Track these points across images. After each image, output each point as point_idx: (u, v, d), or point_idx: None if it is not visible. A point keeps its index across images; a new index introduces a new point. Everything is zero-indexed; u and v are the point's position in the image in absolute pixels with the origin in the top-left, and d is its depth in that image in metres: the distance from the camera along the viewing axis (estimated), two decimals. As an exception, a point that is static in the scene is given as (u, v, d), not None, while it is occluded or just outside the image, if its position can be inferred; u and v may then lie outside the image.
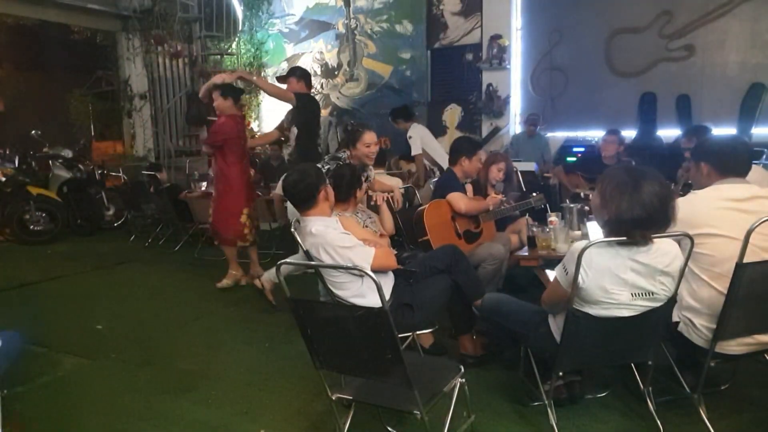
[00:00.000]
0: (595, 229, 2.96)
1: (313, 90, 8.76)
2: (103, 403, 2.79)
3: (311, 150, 4.79)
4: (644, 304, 2.02)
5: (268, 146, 8.09)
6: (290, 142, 4.66)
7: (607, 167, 4.88)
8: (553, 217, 3.24)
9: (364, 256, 2.49)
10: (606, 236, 2.00)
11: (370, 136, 3.38)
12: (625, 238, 1.93)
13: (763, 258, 2.07)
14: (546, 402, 2.28)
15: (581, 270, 1.95)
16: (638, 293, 1.99)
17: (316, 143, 5.06)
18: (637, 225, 1.91)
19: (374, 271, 2.29)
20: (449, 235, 3.56)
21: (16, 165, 7.13)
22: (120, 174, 7.77)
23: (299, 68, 5.09)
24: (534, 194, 3.91)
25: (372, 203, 3.40)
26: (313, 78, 8.74)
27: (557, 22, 6.84)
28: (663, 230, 1.97)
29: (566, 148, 6.69)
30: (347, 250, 2.47)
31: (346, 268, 2.43)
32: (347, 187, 3.00)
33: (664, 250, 1.99)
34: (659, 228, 1.95)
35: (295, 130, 4.66)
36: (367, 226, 3.17)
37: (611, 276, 1.96)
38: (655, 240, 1.97)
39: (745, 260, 1.98)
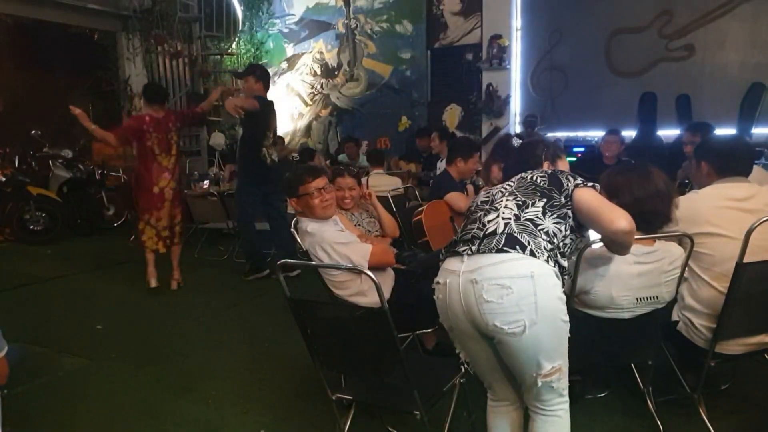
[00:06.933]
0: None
1: (312, 90, 8.87)
2: (103, 403, 2.79)
3: (253, 154, 4.66)
4: (647, 308, 2.02)
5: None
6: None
7: (608, 167, 4.93)
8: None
9: (361, 252, 2.48)
10: None
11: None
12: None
13: (763, 258, 2.07)
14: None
15: (589, 278, 1.95)
16: (643, 298, 1.99)
17: (260, 149, 4.73)
18: (651, 207, 1.92)
19: (372, 268, 2.28)
20: (448, 235, 3.54)
21: (16, 165, 7.13)
22: (120, 174, 7.77)
23: (260, 68, 4.95)
24: None
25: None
26: (313, 78, 8.84)
27: (557, 22, 6.84)
28: (664, 225, 1.98)
29: (566, 148, 6.67)
30: (343, 247, 2.46)
31: (346, 268, 2.43)
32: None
33: (668, 250, 1.99)
34: (664, 219, 1.96)
35: (240, 131, 4.41)
36: (359, 225, 3.16)
37: (618, 283, 1.96)
38: (658, 241, 1.98)
39: (747, 260, 1.98)
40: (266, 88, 4.79)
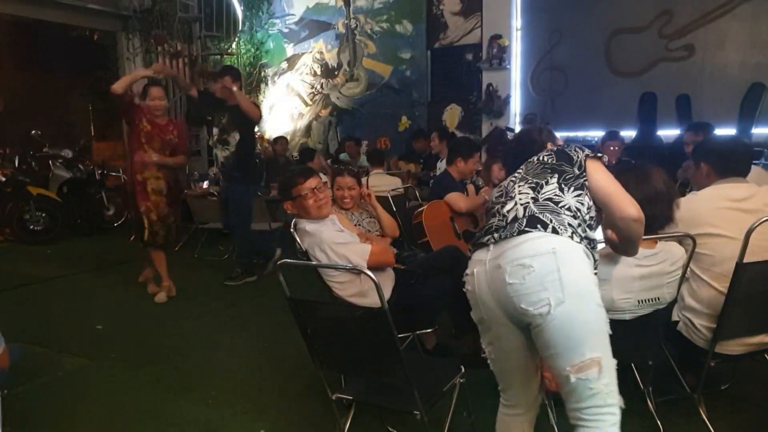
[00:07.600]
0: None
1: (312, 90, 8.87)
2: (103, 403, 2.79)
3: (252, 155, 4.98)
4: (648, 309, 2.02)
5: (268, 144, 8.10)
6: (230, 146, 4.75)
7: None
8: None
9: (360, 252, 2.48)
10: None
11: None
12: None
13: (763, 258, 2.07)
14: (546, 401, 2.27)
15: None
16: (644, 300, 1.99)
17: (255, 148, 5.33)
18: (649, 210, 1.90)
19: (372, 268, 2.28)
20: (449, 235, 3.56)
21: (16, 165, 7.13)
22: (120, 174, 7.77)
23: (235, 69, 5.17)
24: None
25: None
26: (313, 78, 8.84)
27: (557, 22, 6.83)
28: (665, 225, 1.98)
29: (566, 148, 6.67)
30: (341, 247, 2.46)
31: (345, 269, 2.43)
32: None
33: (669, 251, 1.99)
34: (665, 220, 1.96)
35: (237, 135, 4.95)
36: (360, 225, 3.17)
37: (620, 286, 1.96)
38: (659, 242, 1.98)
39: (747, 260, 1.98)
40: (241, 89, 4.94)
